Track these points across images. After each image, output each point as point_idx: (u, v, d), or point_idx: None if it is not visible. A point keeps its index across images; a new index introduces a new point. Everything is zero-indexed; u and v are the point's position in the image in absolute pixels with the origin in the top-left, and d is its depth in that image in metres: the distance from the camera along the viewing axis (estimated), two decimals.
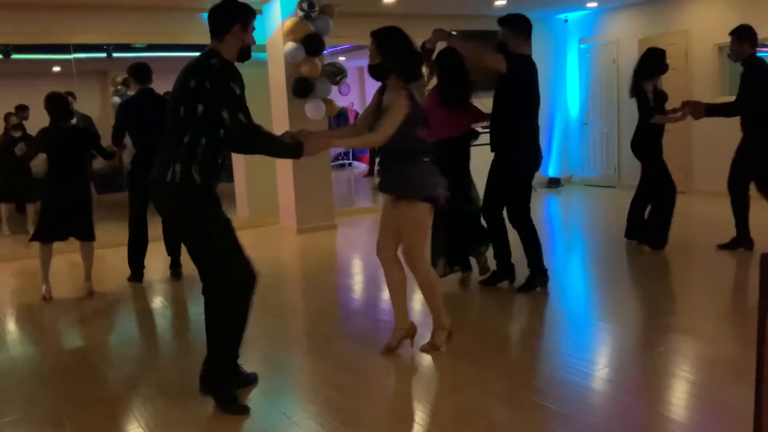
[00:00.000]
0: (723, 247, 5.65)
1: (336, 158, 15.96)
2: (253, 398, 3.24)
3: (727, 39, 8.38)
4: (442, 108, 4.76)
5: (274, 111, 7.91)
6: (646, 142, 5.77)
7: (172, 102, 3.00)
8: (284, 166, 7.80)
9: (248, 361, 3.73)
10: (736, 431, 2.64)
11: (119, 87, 10.49)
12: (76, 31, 7.37)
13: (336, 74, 7.80)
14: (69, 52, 8.56)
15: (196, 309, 5.14)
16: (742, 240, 5.61)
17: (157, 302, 5.33)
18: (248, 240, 7.29)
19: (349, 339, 4.13)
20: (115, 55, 9.86)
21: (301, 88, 7.43)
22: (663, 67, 5.79)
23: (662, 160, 5.81)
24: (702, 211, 7.76)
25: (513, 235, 4.78)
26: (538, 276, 4.76)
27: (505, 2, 8.61)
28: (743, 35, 5.41)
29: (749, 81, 5.38)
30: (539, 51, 10.15)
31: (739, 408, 2.76)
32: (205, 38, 3.09)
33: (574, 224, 8.24)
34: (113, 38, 7.90)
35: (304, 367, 3.69)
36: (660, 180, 5.81)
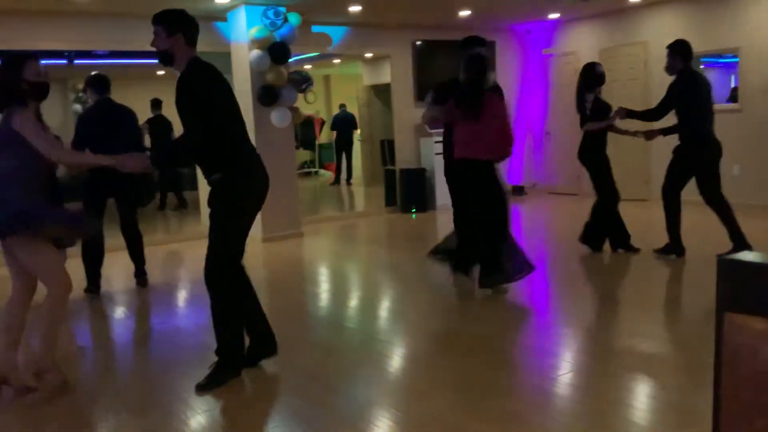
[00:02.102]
0: (657, 251, 5.84)
1: (302, 166, 15.93)
2: (222, 408, 3.21)
3: None
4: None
5: None
6: (591, 151, 5.98)
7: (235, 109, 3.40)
8: None
9: None
10: None
11: (80, 94, 10.31)
12: (37, 37, 7.24)
13: (302, 82, 7.81)
14: None
15: (158, 319, 5.09)
16: (674, 247, 5.77)
17: (119, 312, 5.24)
18: None
19: (314, 347, 4.12)
20: (76, 62, 9.70)
21: (266, 96, 7.41)
22: (599, 78, 5.99)
23: (607, 168, 6.02)
24: (660, 218, 7.92)
25: None
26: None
27: (469, 12, 8.72)
28: (675, 49, 5.62)
29: (679, 92, 5.59)
30: (503, 61, 10.39)
31: (699, 410, 2.84)
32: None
33: (536, 231, 8.35)
34: (74, 45, 7.77)
35: (270, 377, 3.67)
36: (602, 187, 6.03)
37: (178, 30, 3.23)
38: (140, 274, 5.82)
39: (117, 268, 6.27)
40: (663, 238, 5.87)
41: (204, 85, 3.21)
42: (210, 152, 3.30)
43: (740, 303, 1.32)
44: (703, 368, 3.14)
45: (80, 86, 10.12)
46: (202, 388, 3.37)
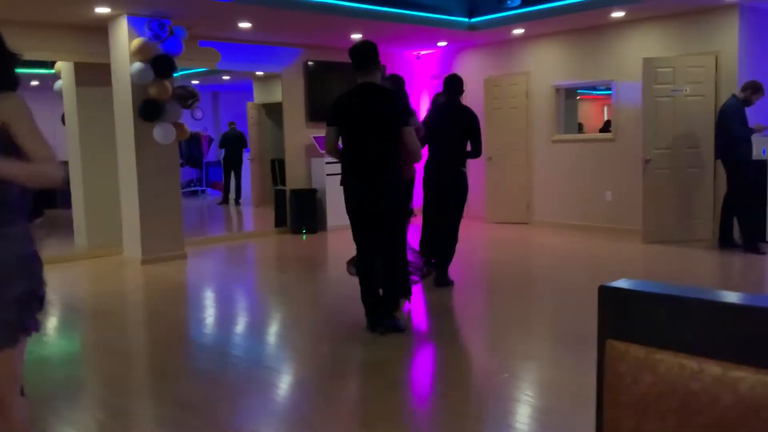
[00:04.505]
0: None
1: (187, 184, 15.39)
2: None
3: (563, 80, 9.13)
4: None
5: (118, 133, 7.48)
6: None
7: None
8: (129, 191, 7.37)
9: (84, 407, 3.43)
10: None
11: None
12: None
13: (187, 98, 7.54)
14: None
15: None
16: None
17: None
18: (87, 272, 6.86)
19: (194, 375, 3.91)
20: None
21: (148, 111, 7.09)
22: None
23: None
24: (540, 242, 8.27)
25: None
26: None
27: (360, 36, 8.78)
28: (443, 84, 6.09)
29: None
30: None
31: None
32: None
33: None
34: None
35: (147, 411, 3.44)
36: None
37: None
38: None
39: None
40: (545, 260, 6.09)
41: None
42: None
43: (621, 330, 1.34)
44: (587, 392, 3.24)
45: None
46: None
